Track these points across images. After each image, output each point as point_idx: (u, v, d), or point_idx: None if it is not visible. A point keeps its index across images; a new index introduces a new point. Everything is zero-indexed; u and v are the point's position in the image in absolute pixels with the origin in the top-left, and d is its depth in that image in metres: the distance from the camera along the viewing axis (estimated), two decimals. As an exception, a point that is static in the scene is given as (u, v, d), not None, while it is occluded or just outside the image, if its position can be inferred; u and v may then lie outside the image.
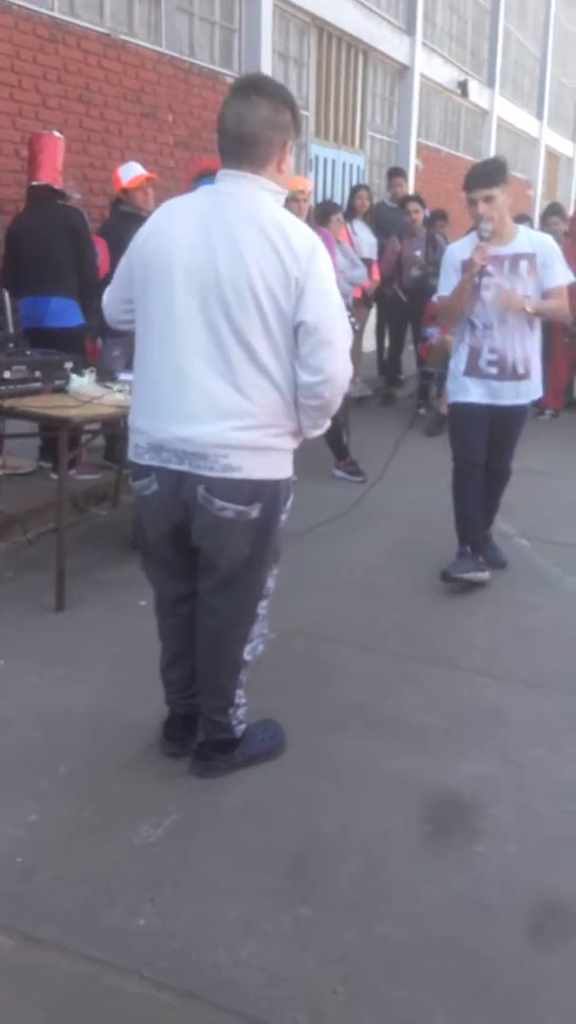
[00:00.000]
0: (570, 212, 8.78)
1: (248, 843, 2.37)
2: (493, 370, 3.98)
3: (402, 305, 8.03)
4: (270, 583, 2.57)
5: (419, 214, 7.94)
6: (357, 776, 2.67)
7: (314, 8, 10.03)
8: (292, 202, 5.39)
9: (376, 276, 7.89)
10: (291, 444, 2.44)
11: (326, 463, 5.91)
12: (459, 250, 4.04)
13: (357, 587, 4.09)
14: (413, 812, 2.51)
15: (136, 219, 4.17)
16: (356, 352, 8.06)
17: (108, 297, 2.55)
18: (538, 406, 7.53)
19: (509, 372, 3.98)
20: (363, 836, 2.41)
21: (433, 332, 7.40)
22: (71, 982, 1.94)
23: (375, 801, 2.55)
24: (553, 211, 8.54)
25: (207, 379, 2.26)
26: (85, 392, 3.83)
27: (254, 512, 2.36)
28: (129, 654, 3.26)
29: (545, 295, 3.94)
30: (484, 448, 4.13)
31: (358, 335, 8.01)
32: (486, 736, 2.90)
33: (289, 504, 2.53)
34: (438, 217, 8.47)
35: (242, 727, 2.66)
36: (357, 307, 7.72)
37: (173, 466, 2.34)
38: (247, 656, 2.60)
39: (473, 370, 4.02)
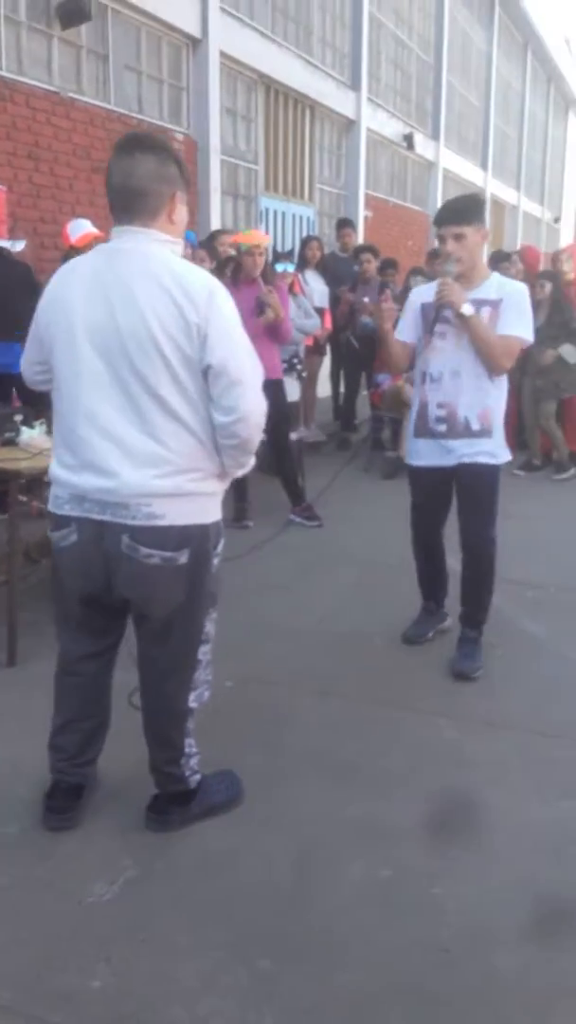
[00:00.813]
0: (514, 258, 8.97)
1: (205, 897, 2.33)
2: (442, 427, 3.61)
3: (356, 352, 8.15)
4: (209, 628, 2.55)
5: (371, 263, 8.10)
6: (315, 824, 2.64)
7: (261, 66, 10.28)
8: (248, 256, 5.46)
9: (328, 325, 8.02)
10: (216, 487, 2.44)
11: (283, 509, 5.94)
12: (420, 294, 3.76)
13: (314, 632, 4.09)
14: (372, 858, 2.48)
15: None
16: (310, 398, 8.18)
17: (24, 360, 2.55)
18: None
19: (461, 428, 3.59)
20: (322, 885, 2.38)
21: (385, 379, 7.50)
22: (23, 1049, 1.88)
23: (333, 849, 2.52)
24: (502, 257, 8.72)
25: (122, 432, 2.27)
26: (35, 444, 3.82)
27: (182, 558, 2.35)
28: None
29: None
30: (440, 512, 3.85)
31: (311, 381, 8.11)
32: (445, 778, 2.89)
33: (221, 547, 2.52)
34: (388, 266, 8.63)
35: (196, 777, 2.62)
36: (309, 355, 7.83)
37: (95, 516, 2.33)
38: (192, 703, 2.56)
39: (423, 430, 3.68)
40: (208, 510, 2.42)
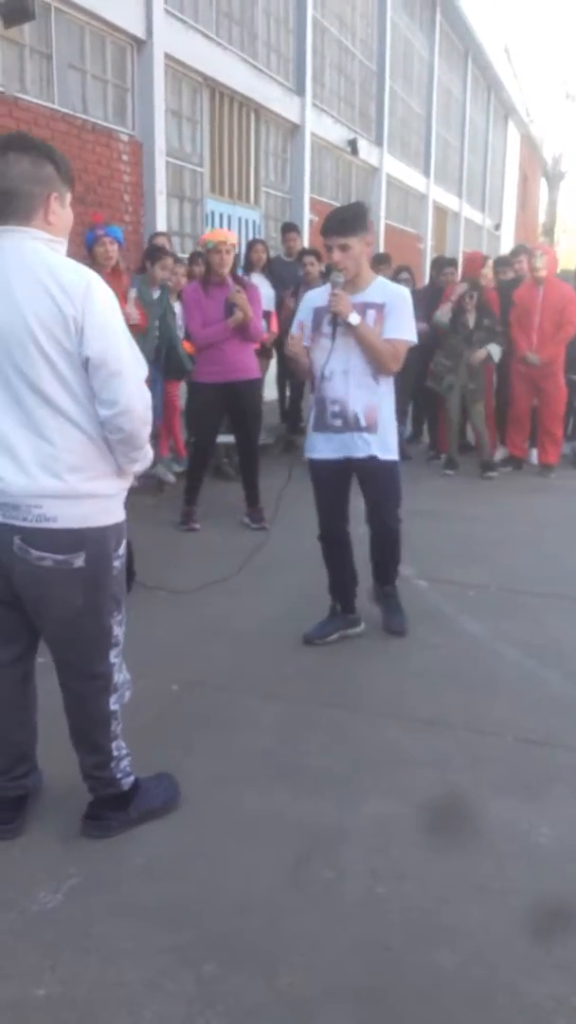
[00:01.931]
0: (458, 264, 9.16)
1: (150, 902, 2.34)
2: (337, 422, 3.81)
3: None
4: (117, 631, 2.51)
5: (315, 267, 8.13)
6: (260, 826, 2.66)
7: (205, 68, 10.28)
8: (215, 254, 5.42)
9: (274, 328, 8.03)
10: (113, 487, 2.40)
11: (230, 512, 5.96)
12: (314, 297, 3.90)
13: (259, 635, 4.11)
14: (316, 858, 2.51)
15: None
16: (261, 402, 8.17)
17: None
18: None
19: (352, 423, 3.79)
20: (266, 887, 2.40)
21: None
22: (-35, 1060, 1.87)
23: (278, 851, 2.54)
24: (447, 263, 8.92)
25: (9, 432, 2.25)
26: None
27: (77, 561, 2.33)
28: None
29: None
30: (340, 506, 4.02)
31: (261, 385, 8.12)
32: (387, 777, 2.93)
33: (122, 550, 2.48)
34: (331, 270, 8.69)
35: (130, 779, 2.61)
36: (256, 357, 7.84)
37: None
38: (113, 706, 2.54)
39: (320, 424, 3.87)
40: (106, 512, 2.38)
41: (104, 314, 2.24)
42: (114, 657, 2.52)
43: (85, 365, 2.23)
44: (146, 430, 2.35)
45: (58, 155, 2.34)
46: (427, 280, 10.22)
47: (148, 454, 2.44)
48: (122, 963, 2.12)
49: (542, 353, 7.53)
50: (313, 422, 3.92)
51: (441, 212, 22.61)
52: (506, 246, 27.31)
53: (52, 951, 2.16)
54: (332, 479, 3.95)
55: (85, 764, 2.58)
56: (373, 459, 3.82)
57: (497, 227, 29.22)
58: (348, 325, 3.68)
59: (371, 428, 3.80)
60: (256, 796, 2.81)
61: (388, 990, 2.06)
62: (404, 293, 3.89)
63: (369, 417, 3.79)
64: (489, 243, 27.60)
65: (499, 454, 8.15)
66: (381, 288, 3.82)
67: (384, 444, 3.84)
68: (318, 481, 4.00)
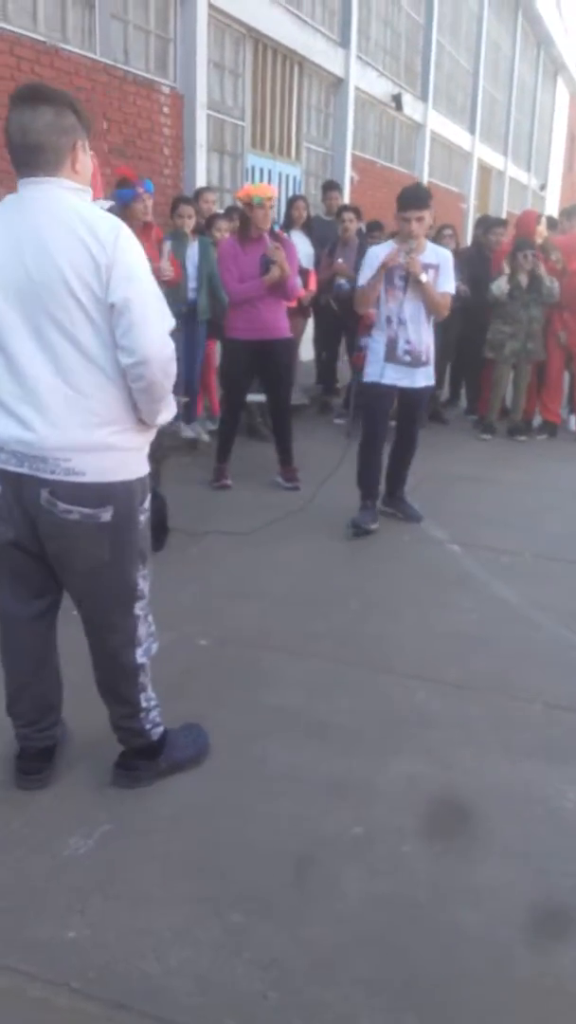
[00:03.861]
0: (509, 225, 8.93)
1: (179, 851, 2.38)
2: (407, 358, 4.86)
3: (334, 315, 8.08)
4: (142, 584, 2.51)
5: (353, 223, 8.01)
6: (288, 781, 2.68)
7: (249, 19, 10.08)
8: (259, 208, 5.34)
9: (312, 286, 7.94)
10: (138, 441, 2.39)
11: (267, 470, 5.95)
12: (379, 252, 4.83)
13: (290, 594, 4.12)
14: (343, 815, 2.53)
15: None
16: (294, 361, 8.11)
17: None
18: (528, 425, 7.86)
19: (418, 359, 4.89)
20: (294, 840, 2.43)
21: (368, 342, 7.47)
22: (-2, 996, 1.92)
23: (306, 805, 2.57)
24: (495, 223, 8.68)
25: (42, 382, 2.24)
26: None
27: (105, 515, 2.33)
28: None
29: None
30: (387, 422, 5.08)
31: (295, 344, 8.06)
32: (415, 737, 2.95)
33: (147, 503, 2.48)
34: (374, 228, 8.56)
35: (159, 730, 2.64)
36: (293, 317, 7.77)
37: (12, 468, 2.30)
38: (141, 659, 2.55)
39: (391, 356, 4.86)
40: (130, 465, 2.38)
41: (132, 263, 2.23)
42: (139, 610, 2.53)
43: (111, 312, 2.22)
44: (168, 382, 2.33)
45: (78, 102, 2.33)
46: (469, 240, 10.00)
47: (171, 406, 2.42)
48: (150, 910, 2.17)
49: (571, 327, 7.50)
50: (384, 354, 4.87)
51: (486, 171, 22.15)
52: (551, 207, 26.78)
53: (82, 895, 2.20)
54: (390, 401, 5.05)
55: (114, 715, 2.62)
56: (422, 389, 5.03)
57: (543, 187, 28.61)
58: (418, 282, 4.69)
59: (429, 361, 4.96)
60: (284, 752, 2.84)
61: (410, 945, 2.09)
62: (448, 254, 4.98)
63: (429, 354, 4.94)
64: (534, 204, 27.03)
65: (535, 420, 8.06)
66: (433, 251, 4.86)
67: (432, 373, 5.08)
68: (379, 402, 5.02)
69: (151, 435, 2.45)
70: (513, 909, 2.21)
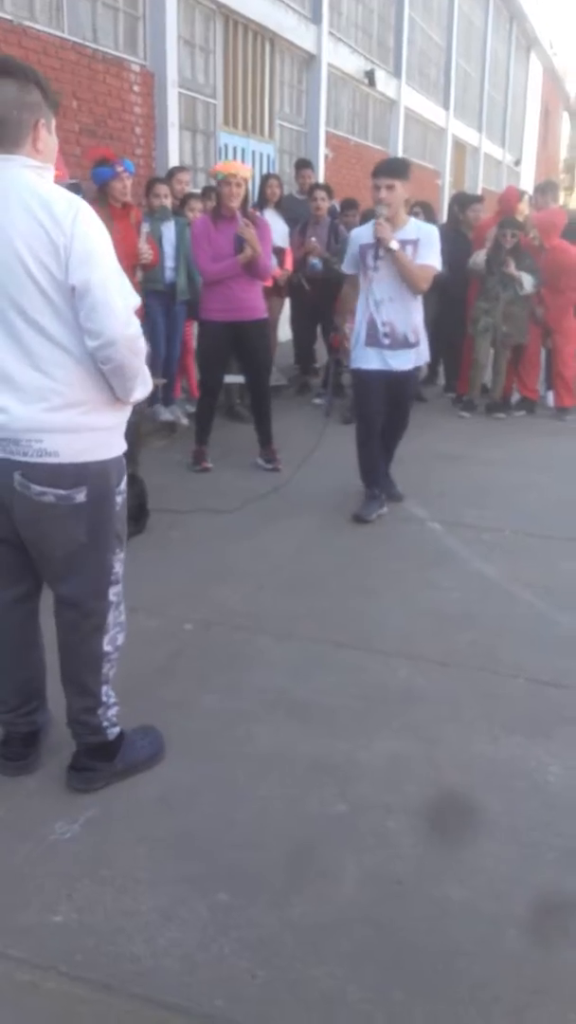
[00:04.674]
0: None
1: (165, 834, 2.38)
2: (387, 340, 4.70)
3: (307, 295, 8.04)
4: (118, 568, 2.49)
5: (325, 203, 7.96)
6: (274, 761, 2.69)
7: (219, -5, 9.97)
8: (224, 185, 5.26)
9: (288, 265, 7.89)
10: (111, 421, 2.36)
11: (247, 452, 5.94)
12: (360, 235, 4.77)
13: (273, 575, 4.12)
14: (328, 793, 2.55)
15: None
16: (270, 342, 8.08)
17: None
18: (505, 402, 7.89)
19: (400, 341, 4.70)
20: (279, 820, 2.44)
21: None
22: (-14, 982, 1.92)
23: (291, 785, 2.58)
24: (473, 199, 8.66)
25: (6, 365, 2.20)
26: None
27: (79, 496, 2.30)
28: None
29: None
30: (381, 408, 4.86)
31: (271, 325, 8.02)
32: (399, 715, 2.96)
33: (123, 485, 2.45)
34: (349, 206, 8.51)
35: (115, 730, 2.58)
36: (269, 297, 7.73)
37: None
38: (107, 647, 2.52)
39: (372, 340, 4.72)
40: (105, 445, 2.35)
41: (90, 241, 2.18)
42: (113, 595, 2.49)
43: (72, 294, 2.18)
44: (137, 360, 2.28)
45: (43, 79, 2.26)
46: (444, 217, 9.96)
47: (147, 382, 2.37)
48: (137, 892, 2.17)
49: (550, 306, 7.53)
50: (364, 339, 4.75)
51: (460, 147, 22.06)
52: (526, 182, 26.72)
53: (69, 880, 2.20)
54: (377, 386, 4.81)
55: (73, 708, 2.55)
56: (411, 371, 4.84)
57: (517, 163, 28.55)
58: (389, 250, 4.54)
59: (417, 342, 4.78)
60: (270, 732, 2.84)
61: (398, 921, 2.10)
62: (433, 230, 4.81)
63: (416, 333, 4.77)
64: (509, 179, 26.98)
65: (513, 397, 8.08)
66: (415, 227, 4.71)
67: (423, 351, 4.91)
68: (366, 388, 4.86)
69: (126, 413, 2.42)
70: (500, 883, 2.22)
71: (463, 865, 2.28)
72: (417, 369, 4.99)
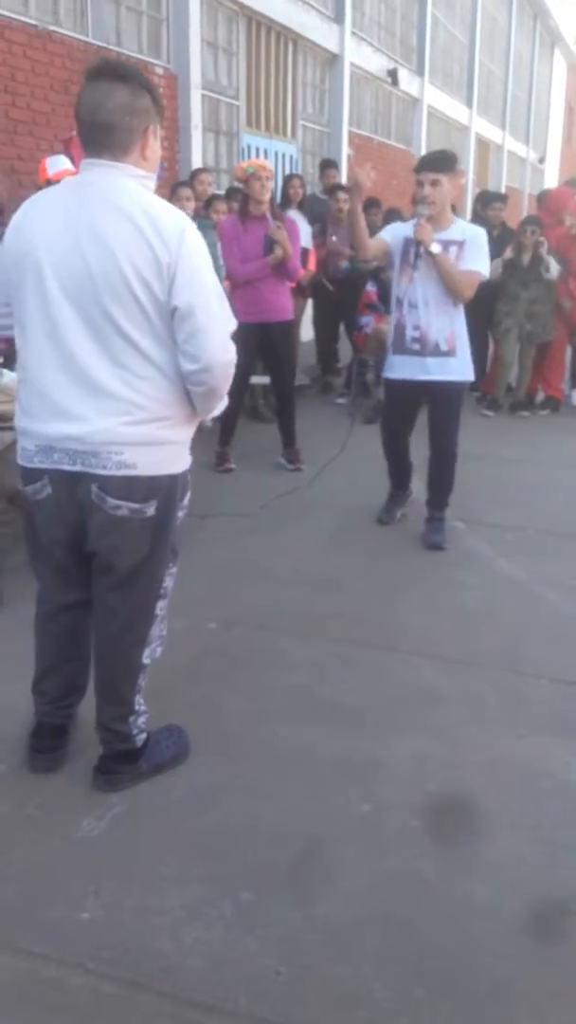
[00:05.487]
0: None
1: (191, 832, 2.40)
2: (416, 346, 4.29)
3: (331, 295, 8.05)
4: (168, 582, 2.51)
5: (347, 203, 7.95)
6: (297, 761, 2.70)
7: (242, -3, 10.00)
8: (255, 180, 5.26)
9: (312, 266, 7.90)
10: (185, 435, 2.39)
11: (270, 452, 5.95)
12: (403, 228, 4.37)
13: (296, 576, 4.13)
14: (352, 793, 2.55)
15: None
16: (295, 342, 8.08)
17: None
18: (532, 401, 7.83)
19: (431, 348, 4.27)
20: (303, 819, 2.45)
21: (368, 321, 7.45)
22: (13, 977, 1.95)
23: (314, 784, 2.59)
24: (495, 198, 8.61)
25: (93, 376, 2.20)
26: (12, 388, 3.78)
27: (150, 510, 2.32)
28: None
29: None
30: (409, 420, 4.59)
31: (296, 326, 8.02)
32: (422, 715, 2.96)
33: (187, 500, 2.48)
34: (371, 205, 8.50)
35: (143, 736, 2.58)
36: (293, 297, 7.73)
37: (66, 467, 2.27)
38: (146, 659, 2.53)
39: (399, 348, 4.34)
40: (178, 459, 2.38)
41: (196, 263, 2.18)
42: (159, 610, 2.51)
43: (172, 314, 2.18)
44: (227, 384, 2.31)
45: (152, 84, 2.26)
46: (468, 216, 9.94)
47: (224, 402, 2.41)
48: (164, 890, 2.19)
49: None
50: (392, 345, 4.39)
51: (483, 145, 21.96)
52: (550, 180, 26.56)
53: (96, 876, 2.23)
54: (405, 397, 4.48)
55: (104, 715, 2.56)
56: (450, 383, 4.32)
57: (542, 160, 28.38)
58: (429, 253, 4.14)
59: (452, 352, 4.28)
60: (293, 732, 2.85)
61: (421, 920, 2.11)
62: (481, 232, 4.33)
63: (450, 342, 4.28)
64: (533, 177, 26.83)
65: (537, 396, 8.04)
66: (461, 228, 4.29)
67: (463, 364, 4.34)
68: (393, 398, 4.55)
69: (195, 426, 2.44)
70: (522, 882, 2.23)
71: (486, 864, 2.29)
72: (460, 384, 4.39)
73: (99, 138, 2.20)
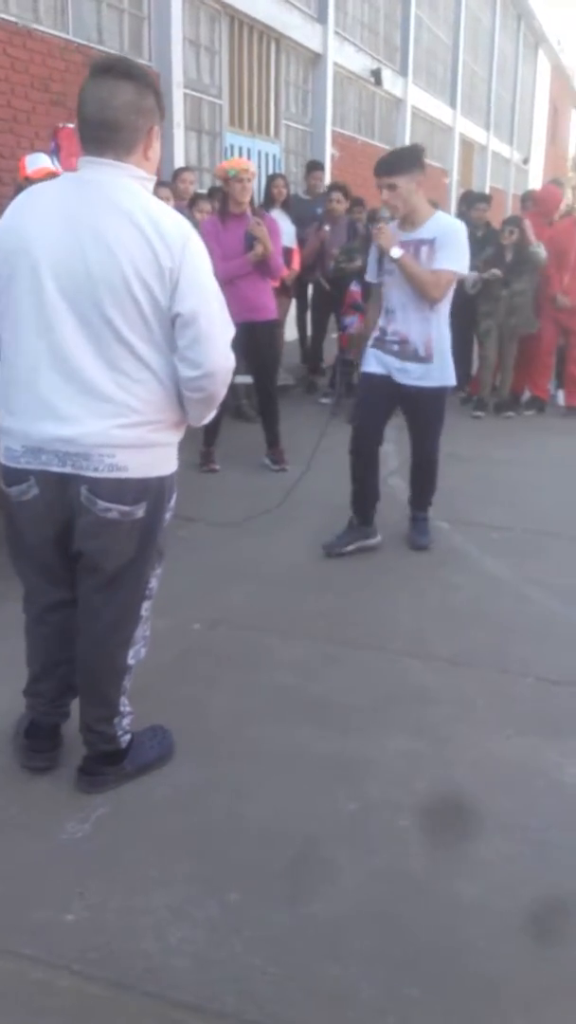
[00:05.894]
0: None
1: (177, 832, 2.38)
2: (395, 347, 4.18)
3: (326, 294, 8.06)
4: (153, 584, 2.49)
5: (341, 204, 7.95)
6: (284, 760, 2.69)
7: (224, -5, 9.98)
8: (236, 182, 5.24)
9: (296, 265, 7.89)
10: (174, 437, 2.38)
11: (254, 452, 5.93)
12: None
13: (282, 576, 4.12)
14: (340, 792, 2.54)
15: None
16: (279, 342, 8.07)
17: None
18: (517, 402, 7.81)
19: (410, 354, 4.14)
20: (291, 819, 2.43)
21: (352, 321, 7.46)
22: (0, 979, 1.93)
23: (302, 784, 2.58)
24: (478, 199, 8.63)
25: (88, 378, 2.18)
26: None
27: (139, 512, 2.30)
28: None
29: None
30: (381, 420, 4.33)
31: (279, 325, 8.01)
32: (410, 714, 2.95)
33: (173, 502, 2.46)
34: (355, 204, 8.51)
35: (127, 737, 2.55)
36: (276, 296, 7.72)
37: (55, 468, 2.24)
38: (130, 660, 2.51)
39: (379, 343, 4.24)
40: (166, 461, 2.37)
41: (199, 270, 2.17)
42: (144, 611, 2.49)
43: (174, 320, 2.16)
44: (224, 391, 2.30)
45: (157, 84, 2.24)
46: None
47: (215, 410, 2.41)
48: (149, 890, 2.17)
49: (573, 294, 7.40)
50: (373, 342, 4.27)
51: (468, 145, 22.04)
52: (535, 181, 26.66)
53: (80, 878, 2.21)
54: (379, 395, 4.25)
55: (88, 716, 2.53)
56: (428, 389, 4.17)
57: (526, 161, 28.51)
58: (391, 258, 3.99)
59: (429, 358, 4.13)
60: (280, 731, 2.84)
61: (409, 918, 2.10)
62: (456, 226, 4.11)
63: (428, 348, 4.12)
64: (517, 177, 26.94)
65: (523, 396, 8.05)
66: (435, 223, 4.07)
67: (442, 370, 4.17)
68: (366, 394, 4.32)
69: (184, 429, 2.42)
70: (512, 882, 2.22)
71: (474, 863, 2.28)
72: (439, 390, 4.22)
73: (103, 136, 2.17)
